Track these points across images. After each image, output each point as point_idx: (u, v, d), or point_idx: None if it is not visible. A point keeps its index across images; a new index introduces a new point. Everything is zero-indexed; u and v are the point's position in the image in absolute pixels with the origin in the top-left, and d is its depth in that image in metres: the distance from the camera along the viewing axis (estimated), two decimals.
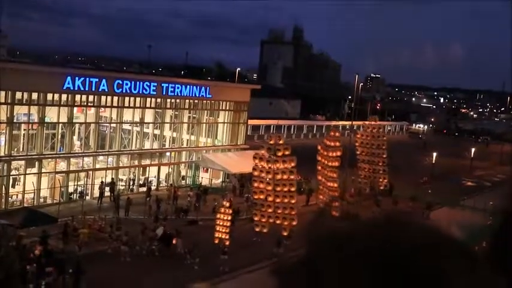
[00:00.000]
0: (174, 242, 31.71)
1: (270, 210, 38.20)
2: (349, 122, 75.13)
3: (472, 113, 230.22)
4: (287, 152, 39.20)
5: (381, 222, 1.22)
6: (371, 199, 47.11)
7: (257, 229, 37.79)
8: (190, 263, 29.30)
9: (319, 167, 44.63)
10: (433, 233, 1.19)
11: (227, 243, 31.51)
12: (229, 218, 32.85)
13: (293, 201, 38.62)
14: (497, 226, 1.47)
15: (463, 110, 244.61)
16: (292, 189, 38.85)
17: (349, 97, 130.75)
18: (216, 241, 31.75)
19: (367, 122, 55.05)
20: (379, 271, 1.11)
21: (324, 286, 1.15)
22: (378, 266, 1.11)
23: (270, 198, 38.30)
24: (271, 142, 39.65)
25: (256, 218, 38.05)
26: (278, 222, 37.88)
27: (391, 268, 1.11)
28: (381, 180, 51.86)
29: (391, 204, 45.34)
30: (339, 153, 43.86)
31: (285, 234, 36.73)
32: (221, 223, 32.53)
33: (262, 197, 38.50)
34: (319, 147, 45.24)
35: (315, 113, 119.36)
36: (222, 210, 33.01)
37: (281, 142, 39.57)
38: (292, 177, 38.75)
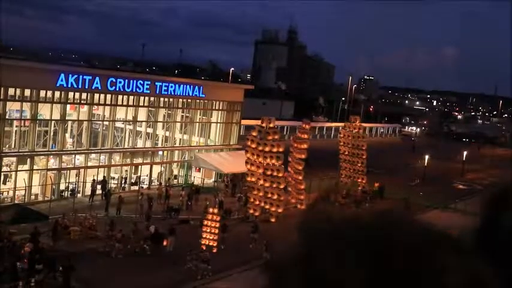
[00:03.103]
0: (165, 243, 31.54)
1: (260, 194, 38.75)
2: (342, 124, 75.23)
3: (460, 116, 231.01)
4: (276, 136, 39.70)
5: (381, 216, 1.22)
6: (362, 201, 47.25)
7: (251, 211, 38.49)
8: (191, 266, 28.68)
9: (290, 159, 44.72)
10: (431, 229, 1.21)
11: (215, 250, 30.40)
12: (217, 225, 31.12)
13: (281, 187, 39.09)
14: (486, 217, 1.49)
15: (455, 113, 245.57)
16: (280, 174, 39.20)
17: (343, 98, 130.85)
18: (203, 248, 30.14)
19: (349, 124, 55.13)
20: (380, 262, 1.12)
21: (324, 275, 1.15)
22: (378, 257, 1.12)
23: (260, 182, 38.82)
24: (263, 124, 40.04)
25: (250, 200, 38.71)
26: (267, 207, 38.62)
27: (392, 260, 1.12)
28: (359, 180, 52.01)
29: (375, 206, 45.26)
30: (306, 146, 44.02)
31: (272, 220, 37.33)
32: (208, 230, 30.99)
33: (253, 179, 39.11)
34: (291, 139, 45.55)
35: (309, 114, 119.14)
36: (210, 216, 31.28)
37: (271, 125, 39.93)
38: (280, 162, 39.15)
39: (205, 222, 31.20)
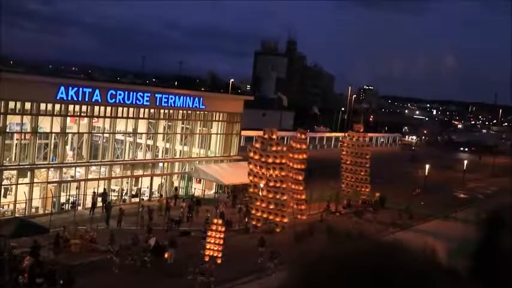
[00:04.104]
0: (166, 255, 31.41)
1: (264, 205, 38.71)
2: (342, 134, 75.30)
3: (460, 125, 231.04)
4: (280, 148, 39.57)
5: (374, 250, 1.23)
6: (363, 210, 47.20)
7: (253, 222, 38.44)
8: (192, 278, 28.63)
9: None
10: (426, 262, 1.21)
11: (219, 261, 29.97)
12: (221, 235, 30.50)
13: (284, 198, 38.99)
14: (481, 240, 1.50)
15: (455, 122, 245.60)
16: (284, 185, 39.15)
17: (342, 108, 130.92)
18: (207, 259, 29.82)
19: (352, 133, 55.14)
20: None
21: None
22: None
23: (264, 193, 38.79)
24: (265, 136, 39.88)
25: (253, 212, 38.58)
26: (271, 217, 38.56)
27: None
28: (363, 189, 51.93)
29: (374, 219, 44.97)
30: (305, 156, 43.84)
31: (278, 230, 37.23)
32: (212, 240, 30.38)
33: (256, 191, 39.07)
34: (285, 150, 45.33)
35: (310, 125, 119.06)
36: (214, 227, 30.79)
37: (274, 136, 39.84)
38: (283, 173, 39.05)
39: (210, 233, 30.85)
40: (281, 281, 1.22)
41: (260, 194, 39.87)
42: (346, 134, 56.64)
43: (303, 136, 45.48)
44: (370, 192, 51.72)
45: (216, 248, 30.38)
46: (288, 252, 28.81)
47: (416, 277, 1.16)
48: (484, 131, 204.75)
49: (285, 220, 39.09)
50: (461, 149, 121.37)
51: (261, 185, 39.59)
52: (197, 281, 28.17)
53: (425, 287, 1.16)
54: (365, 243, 1.26)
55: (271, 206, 39.23)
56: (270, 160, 39.12)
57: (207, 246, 30.37)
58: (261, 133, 41.70)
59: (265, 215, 39.44)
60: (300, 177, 43.66)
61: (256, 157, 39.60)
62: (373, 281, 1.15)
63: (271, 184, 39.19)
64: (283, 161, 39.77)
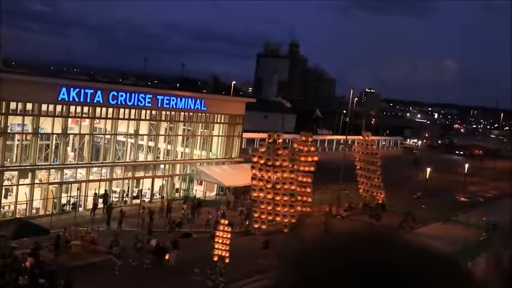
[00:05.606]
0: (167, 257, 31.38)
1: (269, 207, 38.66)
2: (344, 137, 75.24)
3: (463, 130, 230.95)
4: (286, 151, 39.44)
5: (370, 239, 1.19)
6: (363, 213, 47.17)
7: (256, 225, 38.33)
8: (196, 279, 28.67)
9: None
10: (423, 251, 1.18)
11: (227, 261, 29.89)
12: (229, 235, 30.45)
13: (293, 199, 39.03)
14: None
15: (457, 126, 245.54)
16: (293, 187, 39.13)
17: (344, 111, 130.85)
18: (216, 258, 29.90)
19: (361, 138, 55.42)
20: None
21: None
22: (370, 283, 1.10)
23: (270, 196, 38.72)
24: (270, 140, 39.67)
25: (255, 215, 38.42)
26: (278, 219, 38.50)
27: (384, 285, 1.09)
28: (378, 194, 52.21)
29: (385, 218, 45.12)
30: (315, 158, 43.59)
31: (286, 231, 37.23)
32: (220, 240, 30.34)
33: (261, 195, 38.93)
34: (291, 154, 45.27)
35: (312, 128, 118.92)
36: (221, 227, 30.88)
37: (280, 141, 39.76)
38: (292, 175, 39.01)
39: (217, 233, 30.91)
40: (275, 276, 1.18)
41: (262, 196, 39.79)
42: (357, 141, 56.89)
43: (310, 138, 45.48)
44: (385, 197, 52.02)
45: (224, 248, 30.39)
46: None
47: (417, 263, 1.13)
48: (493, 136, 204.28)
49: (293, 221, 39.12)
50: (457, 152, 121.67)
51: (264, 188, 39.54)
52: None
53: (428, 275, 1.12)
54: (363, 233, 1.23)
55: (278, 208, 39.17)
56: (278, 163, 39.04)
57: (216, 246, 30.40)
58: (262, 135, 41.74)
59: (270, 218, 39.32)
60: (309, 179, 43.64)
61: (262, 161, 39.37)
62: (371, 272, 1.11)
63: (279, 186, 39.12)
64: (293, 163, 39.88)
